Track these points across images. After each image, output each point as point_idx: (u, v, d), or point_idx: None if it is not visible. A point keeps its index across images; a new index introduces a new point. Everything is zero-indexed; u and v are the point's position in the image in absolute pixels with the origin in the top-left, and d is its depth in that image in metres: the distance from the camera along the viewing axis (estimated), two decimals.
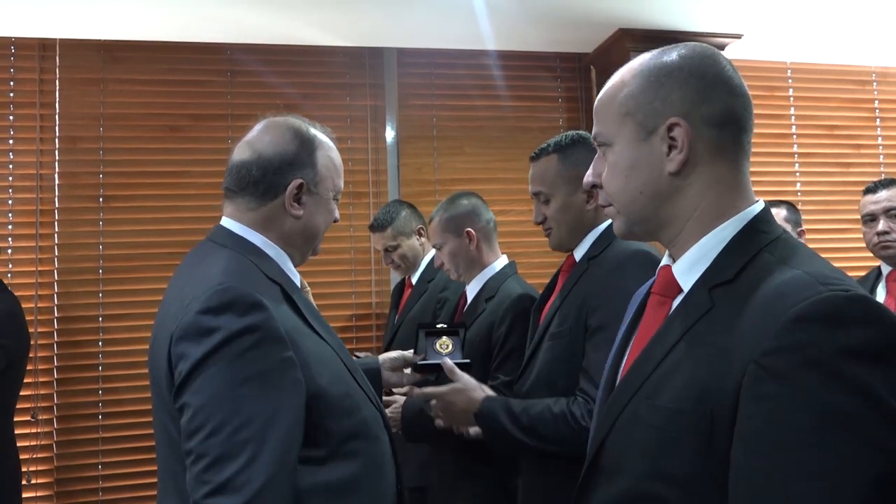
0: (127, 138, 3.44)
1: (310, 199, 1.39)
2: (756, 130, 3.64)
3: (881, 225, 2.62)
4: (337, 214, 1.48)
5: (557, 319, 1.76)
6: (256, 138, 1.39)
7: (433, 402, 1.86)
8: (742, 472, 0.78)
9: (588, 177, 1.08)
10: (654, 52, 1.01)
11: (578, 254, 1.82)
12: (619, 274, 1.65)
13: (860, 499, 0.71)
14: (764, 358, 0.77)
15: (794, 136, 4.12)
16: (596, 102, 1.05)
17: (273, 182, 1.35)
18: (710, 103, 0.95)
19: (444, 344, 2.01)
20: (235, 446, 1.07)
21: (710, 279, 0.92)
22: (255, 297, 1.17)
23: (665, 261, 1.04)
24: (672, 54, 0.99)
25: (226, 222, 1.38)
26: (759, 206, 0.96)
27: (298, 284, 1.41)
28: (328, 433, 1.22)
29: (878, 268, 2.72)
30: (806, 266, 0.85)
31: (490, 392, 1.81)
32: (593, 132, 1.05)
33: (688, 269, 0.96)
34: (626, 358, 1.05)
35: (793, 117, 4.13)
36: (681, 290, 0.97)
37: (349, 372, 1.34)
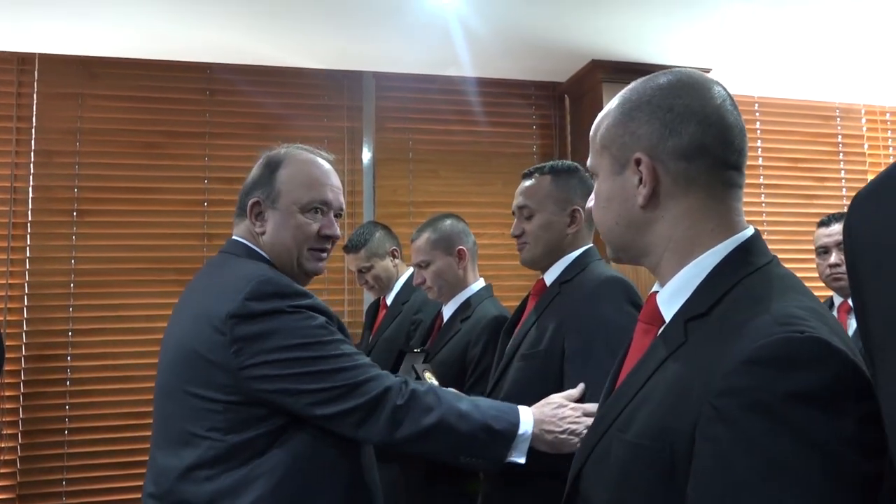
0: (103, 153, 3.45)
1: (270, 215, 1.52)
2: None
3: (833, 257, 2.71)
4: (330, 231, 1.54)
5: (528, 341, 1.78)
6: None
7: None
8: None
9: (589, 202, 1.11)
10: (642, 80, 1.02)
11: (549, 278, 1.86)
12: (595, 298, 1.68)
13: None
14: (717, 399, 0.77)
15: (761, 168, 4.25)
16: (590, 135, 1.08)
17: (242, 203, 1.56)
18: (677, 136, 0.94)
19: (430, 377, 2.04)
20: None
21: (687, 311, 0.91)
22: (296, 287, 1.42)
23: (655, 287, 1.04)
24: (650, 84, 0.99)
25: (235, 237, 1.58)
26: (745, 234, 0.94)
27: None
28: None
29: (831, 298, 2.82)
30: (775, 302, 0.83)
31: None
32: (588, 163, 1.09)
33: (669, 299, 0.97)
34: (617, 384, 1.04)
35: (759, 150, 4.27)
36: (664, 320, 0.97)
37: None
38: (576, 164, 1.95)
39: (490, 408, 1.47)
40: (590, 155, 1.06)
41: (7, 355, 3.22)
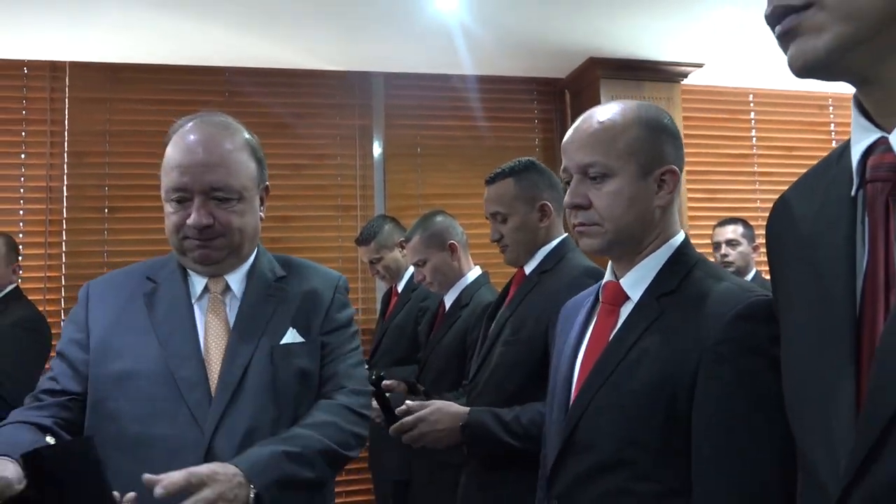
0: (131, 153, 3.69)
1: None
2: (719, 151, 3.97)
3: (723, 250, 3.58)
4: (192, 220, 1.32)
5: (510, 328, 1.89)
6: None
7: (407, 434, 1.84)
8: (702, 431, 1.04)
9: (573, 198, 1.23)
10: (647, 105, 1.26)
11: (529, 268, 1.98)
12: (576, 288, 1.73)
13: (772, 453, 0.97)
14: (717, 346, 1.04)
15: (755, 157, 4.42)
16: (585, 136, 1.22)
17: None
18: (680, 156, 1.24)
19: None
20: None
21: (657, 290, 1.17)
22: (83, 290, 1.46)
23: (608, 277, 1.27)
24: (659, 113, 1.25)
25: None
26: (682, 236, 1.24)
27: (199, 289, 1.41)
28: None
29: None
30: (728, 280, 1.14)
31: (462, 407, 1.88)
32: (583, 161, 1.20)
33: (634, 283, 1.21)
34: (580, 357, 1.25)
35: (754, 139, 4.43)
36: (627, 299, 1.21)
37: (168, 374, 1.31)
38: (531, 158, 2.05)
39: None
40: (595, 155, 1.19)
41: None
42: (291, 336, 1.42)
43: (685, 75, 3.92)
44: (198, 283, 1.41)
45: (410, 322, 2.95)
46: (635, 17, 3.34)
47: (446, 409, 1.82)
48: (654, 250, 1.22)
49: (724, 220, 3.68)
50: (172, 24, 3.22)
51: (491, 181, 2.06)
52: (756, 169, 4.41)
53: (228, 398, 1.31)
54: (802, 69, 0.65)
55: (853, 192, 0.68)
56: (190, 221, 1.31)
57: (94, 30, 3.27)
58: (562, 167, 1.27)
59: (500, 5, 3.19)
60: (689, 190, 4.09)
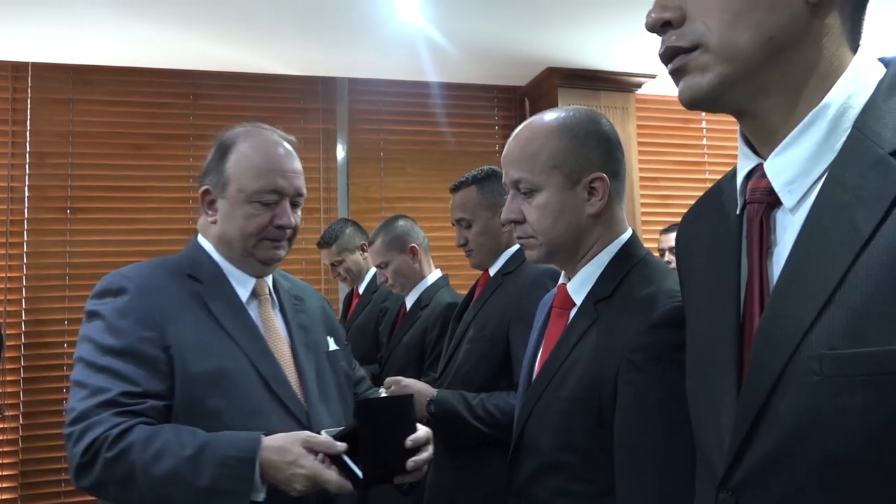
0: (94, 154, 3.71)
1: (221, 205, 1.41)
2: (671, 158, 4.12)
3: (666, 257, 3.51)
4: (283, 221, 1.40)
5: (475, 326, 2.01)
6: None
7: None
8: (621, 434, 1.09)
9: (508, 213, 1.28)
10: (568, 111, 1.26)
11: (493, 270, 2.10)
12: (536, 287, 1.91)
13: (683, 449, 0.97)
14: (632, 354, 1.08)
15: (706, 165, 4.59)
16: (513, 153, 1.25)
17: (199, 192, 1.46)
18: (613, 161, 1.25)
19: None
20: None
21: (595, 295, 1.21)
22: (122, 283, 1.33)
23: (562, 280, 1.33)
24: (582, 117, 1.25)
25: None
26: (627, 235, 1.26)
27: (245, 291, 1.43)
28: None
29: None
30: (659, 283, 1.15)
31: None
32: (513, 177, 1.24)
33: (577, 287, 1.25)
34: (538, 357, 1.32)
35: (705, 147, 4.60)
36: (574, 304, 1.25)
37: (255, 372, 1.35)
38: (493, 167, 2.15)
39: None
40: (520, 172, 1.24)
41: (7, 343, 3.49)
42: (332, 343, 1.56)
43: (639, 85, 4.07)
44: (243, 284, 1.43)
45: (371, 322, 3.04)
46: (591, 29, 3.46)
47: (418, 383, 1.98)
48: (594, 255, 1.25)
49: (669, 226, 3.67)
50: (137, 27, 3.26)
51: (455, 189, 2.16)
52: (707, 176, 4.58)
53: (317, 395, 1.41)
54: (690, 102, 0.75)
55: (738, 211, 0.79)
56: (282, 222, 1.40)
57: (57, 31, 3.28)
58: (502, 182, 1.35)
59: (463, 16, 3.29)
60: (643, 196, 4.24)
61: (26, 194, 3.61)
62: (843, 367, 0.62)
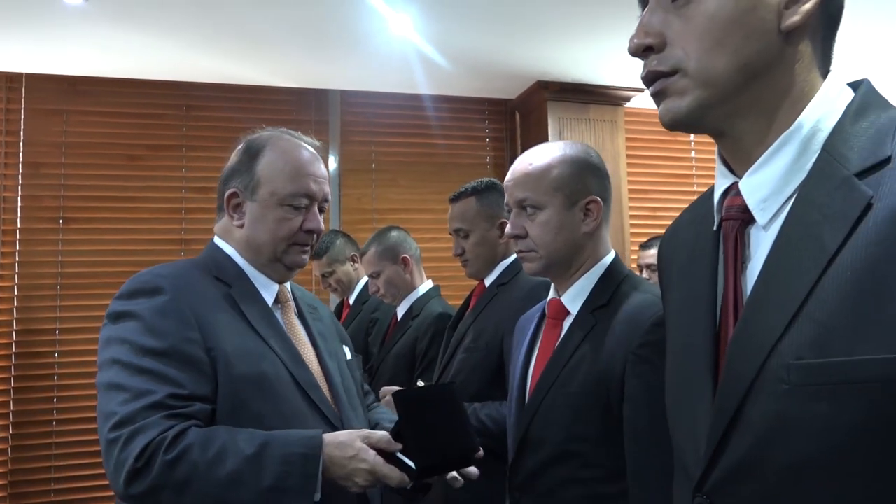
0: (87, 165, 3.73)
1: (249, 208, 1.40)
2: (660, 171, 4.15)
3: (644, 274, 3.38)
4: (312, 224, 1.42)
5: (471, 335, 2.05)
6: None
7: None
8: (630, 420, 1.25)
9: (512, 229, 1.45)
10: (558, 145, 1.47)
11: (488, 281, 2.14)
12: (529, 301, 1.89)
13: None
14: (638, 349, 1.26)
15: (694, 177, 4.65)
16: (520, 175, 1.44)
17: (220, 194, 1.43)
18: (605, 188, 1.46)
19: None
20: None
21: (592, 304, 1.39)
22: (157, 283, 1.29)
23: (552, 294, 1.48)
24: (583, 149, 1.46)
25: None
26: (613, 255, 1.46)
27: (271, 296, 1.42)
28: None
29: None
30: (650, 290, 1.34)
31: None
32: (518, 196, 1.43)
33: (572, 298, 1.43)
34: (532, 364, 1.45)
35: (693, 160, 4.66)
36: (568, 314, 1.42)
37: (290, 376, 1.34)
38: (493, 179, 2.21)
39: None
40: (526, 191, 1.43)
41: None
42: (348, 352, 1.59)
43: (628, 99, 4.13)
44: (268, 290, 1.43)
45: (361, 333, 3.06)
46: (581, 44, 3.52)
47: None
48: (587, 270, 1.43)
49: (647, 241, 3.60)
50: (132, 39, 3.28)
51: (455, 199, 2.21)
52: (695, 189, 4.64)
53: (346, 400, 1.43)
54: (670, 124, 0.79)
55: (715, 227, 0.83)
56: (311, 226, 1.41)
57: (51, 42, 3.31)
58: (505, 202, 1.50)
59: (454, 30, 3.34)
60: (632, 208, 4.29)
61: (19, 204, 3.62)
62: (810, 376, 0.65)
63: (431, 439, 1.28)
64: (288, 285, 1.51)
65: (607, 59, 3.71)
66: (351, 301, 3.29)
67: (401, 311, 2.71)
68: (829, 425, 0.64)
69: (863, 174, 0.69)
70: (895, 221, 0.64)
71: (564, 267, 1.43)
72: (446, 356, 2.15)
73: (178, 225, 3.81)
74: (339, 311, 3.43)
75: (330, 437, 1.23)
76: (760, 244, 0.76)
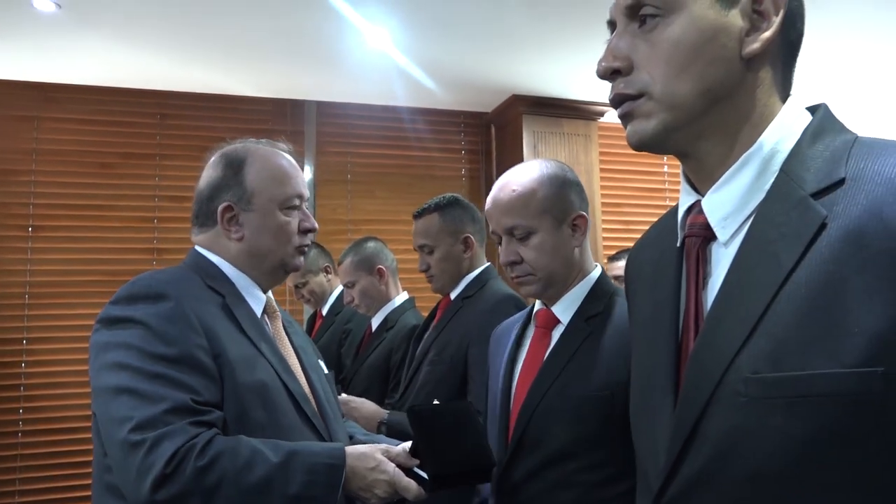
0: (58, 172, 3.68)
1: (247, 218, 1.41)
2: (633, 185, 4.22)
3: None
4: (309, 224, 1.47)
5: (435, 349, 2.07)
6: (202, 175, 1.48)
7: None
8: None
9: (507, 257, 1.46)
10: (535, 165, 1.49)
11: (454, 294, 2.17)
12: (494, 313, 1.94)
13: None
14: None
15: (667, 191, 4.71)
16: (504, 202, 1.45)
17: (207, 211, 1.43)
18: (585, 199, 1.50)
19: None
20: None
21: (585, 313, 1.44)
22: (160, 288, 1.28)
23: (539, 305, 1.51)
24: (559, 167, 1.49)
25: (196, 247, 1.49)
26: (599, 270, 1.52)
27: (259, 306, 1.43)
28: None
29: None
30: None
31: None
32: (507, 225, 1.44)
33: (564, 309, 1.47)
34: (516, 373, 1.47)
35: (665, 174, 4.73)
36: (558, 323, 1.45)
37: (281, 384, 1.35)
38: (455, 195, 2.24)
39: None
40: (516, 218, 1.44)
41: None
42: (324, 367, 1.59)
43: (601, 114, 4.19)
44: (257, 300, 1.43)
45: (334, 344, 3.06)
46: (556, 59, 3.56)
47: (371, 404, 2.06)
48: (577, 283, 1.48)
49: (616, 254, 3.62)
50: (105, 47, 3.26)
51: (418, 215, 2.23)
52: (667, 202, 4.70)
53: (331, 413, 1.45)
54: (637, 145, 0.82)
55: (678, 244, 0.85)
56: (308, 224, 1.47)
57: (23, 49, 3.28)
58: (490, 230, 1.52)
59: (431, 44, 3.37)
60: (605, 221, 4.34)
61: None
62: (766, 390, 0.68)
63: (445, 454, 1.31)
64: (271, 296, 1.52)
65: (581, 75, 3.75)
66: (324, 312, 3.28)
67: (375, 323, 2.71)
68: (784, 438, 0.66)
69: (818, 195, 0.72)
70: (847, 240, 0.67)
71: (561, 284, 1.47)
72: (411, 369, 2.16)
73: (151, 234, 3.78)
74: (312, 323, 3.42)
75: (351, 449, 1.27)
76: (721, 261, 0.79)
